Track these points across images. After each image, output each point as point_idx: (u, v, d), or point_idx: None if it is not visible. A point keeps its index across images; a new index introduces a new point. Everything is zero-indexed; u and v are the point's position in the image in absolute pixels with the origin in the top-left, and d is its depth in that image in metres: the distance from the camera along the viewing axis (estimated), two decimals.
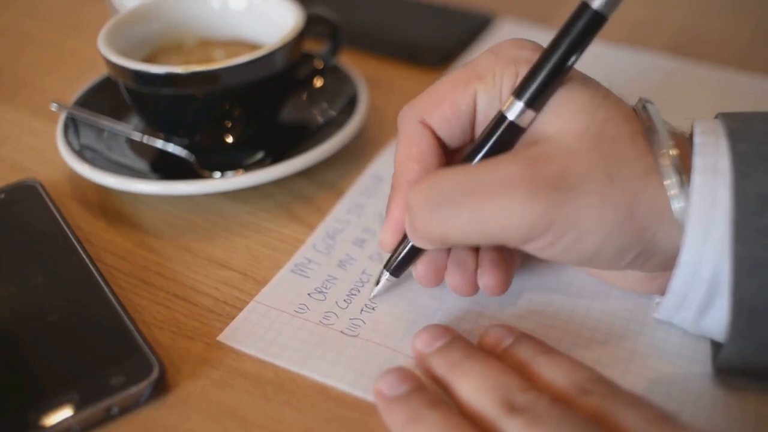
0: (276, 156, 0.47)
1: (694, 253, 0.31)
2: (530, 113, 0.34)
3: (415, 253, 0.37)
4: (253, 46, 0.50)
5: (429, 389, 0.33)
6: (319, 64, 0.54)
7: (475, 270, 0.37)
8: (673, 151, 0.32)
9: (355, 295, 0.40)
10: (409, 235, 0.36)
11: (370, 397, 0.35)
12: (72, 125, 0.50)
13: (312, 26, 0.49)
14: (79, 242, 0.42)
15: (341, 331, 0.38)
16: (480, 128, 0.37)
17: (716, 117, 0.34)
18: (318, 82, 0.55)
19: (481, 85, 0.36)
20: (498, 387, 0.32)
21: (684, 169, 0.32)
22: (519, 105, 0.34)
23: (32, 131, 0.55)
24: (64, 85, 0.59)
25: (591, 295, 0.39)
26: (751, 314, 0.31)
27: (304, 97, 0.54)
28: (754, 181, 0.31)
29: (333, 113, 0.52)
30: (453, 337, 0.35)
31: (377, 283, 0.40)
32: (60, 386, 0.34)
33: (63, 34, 0.68)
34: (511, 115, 0.34)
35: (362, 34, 0.63)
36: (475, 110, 0.36)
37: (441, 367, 0.34)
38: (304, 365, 0.36)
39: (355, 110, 0.50)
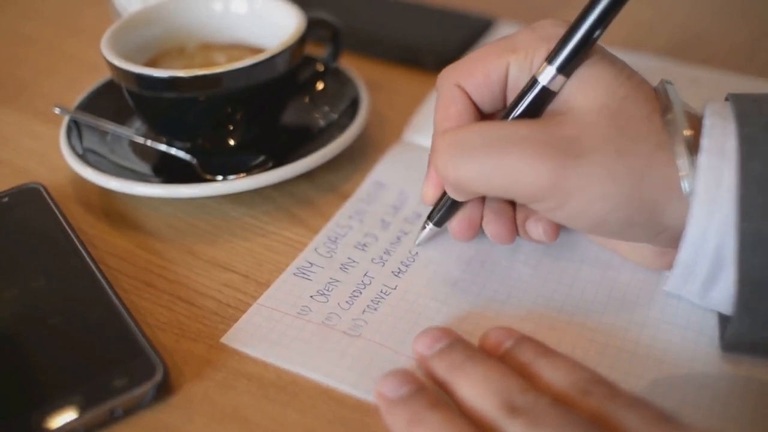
0: (278, 159, 0.47)
1: (700, 229, 0.33)
2: (561, 78, 0.36)
3: (456, 205, 0.41)
4: (255, 50, 0.50)
5: (430, 391, 0.34)
6: (320, 68, 0.54)
7: (513, 217, 0.40)
8: (687, 132, 0.34)
9: (357, 297, 0.40)
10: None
11: (371, 398, 0.35)
12: (75, 128, 0.50)
13: (313, 30, 0.50)
14: (83, 245, 0.42)
15: (344, 332, 0.38)
16: (511, 97, 0.39)
17: (726, 99, 0.35)
18: (319, 85, 0.55)
19: (514, 57, 0.38)
20: (499, 389, 0.32)
21: (696, 149, 0.33)
22: (551, 70, 0.36)
23: (34, 134, 0.55)
24: (65, 88, 0.59)
25: (592, 296, 0.40)
26: (757, 288, 0.33)
27: (306, 100, 0.55)
28: (760, 162, 0.32)
29: (334, 116, 0.52)
30: (453, 339, 0.36)
31: (422, 231, 0.43)
32: (63, 388, 0.34)
33: (63, 37, 0.69)
34: (543, 80, 0.36)
35: (363, 38, 0.63)
36: (506, 80, 0.39)
37: (442, 369, 0.34)
38: (307, 366, 0.37)
39: (357, 113, 0.50)
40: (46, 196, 0.46)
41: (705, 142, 0.33)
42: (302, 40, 0.48)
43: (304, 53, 0.50)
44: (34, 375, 0.36)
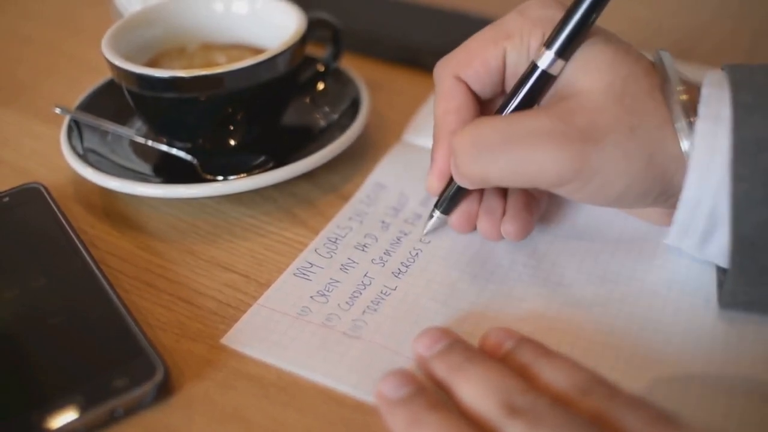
0: (278, 159, 0.47)
1: (695, 191, 0.35)
2: (560, 62, 0.37)
3: (462, 192, 0.42)
4: (256, 50, 0.50)
5: (430, 392, 0.34)
6: (320, 68, 0.54)
7: (502, 217, 0.42)
8: (684, 96, 0.35)
9: (357, 297, 0.40)
10: (454, 176, 0.40)
11: (372, 399, 0.35)
12: (75, 128, 0.50)
13: (314, 30, 0.50)
14: (83, 245, 0.42)
15: (344, 333, 0.38)
16: (510, 82, 0.40)
17: (722, 68, 0.37)
18: (320, 86, 0.55)
19: (509, 43, 0.39)
20: (499, 389, 0.32)
21: (692, 114, 0.35)
22: (550, 54, 0.37)
23: (34, 135, 0.55)
24: (65, 88, 0.59)
25: (591, 297, 0.40)
26: (750, 248, 0.34)
27: (307, 100, 0.55)
28: (752, 127, 0.34)
29: (335, 116, 0.52)
30: (453, 340, 0.36)
31: (429, 220, 0.44)
32: (64, 388, 0.34)
33: (63, 37, 0.68)
34: (542, 64, 0.37)
35: (363, 38, 0.63)
36: (504, 66, 0.40)
37: (442, 370, 0.34)
38: (307, 367, 0.37)
39: (357, 113, 0.50)
40: (47, 196, 0.46)
41: (702, 110, 0.35)
42: (303, 41, 0.48)
43: (305, 54, 0.50)
44: (34, 375, 0.36)
